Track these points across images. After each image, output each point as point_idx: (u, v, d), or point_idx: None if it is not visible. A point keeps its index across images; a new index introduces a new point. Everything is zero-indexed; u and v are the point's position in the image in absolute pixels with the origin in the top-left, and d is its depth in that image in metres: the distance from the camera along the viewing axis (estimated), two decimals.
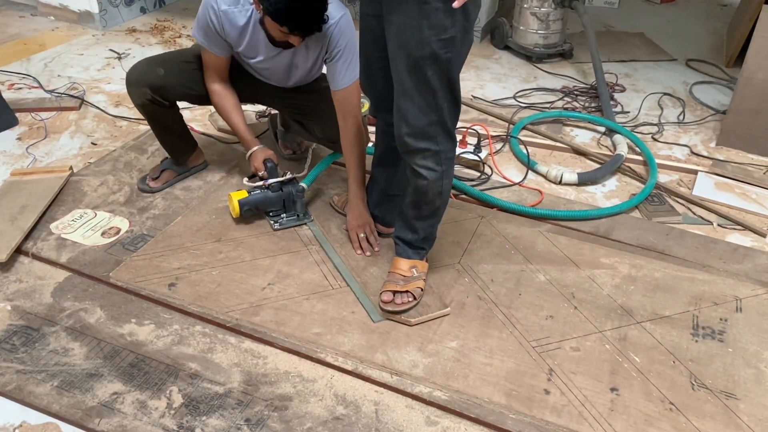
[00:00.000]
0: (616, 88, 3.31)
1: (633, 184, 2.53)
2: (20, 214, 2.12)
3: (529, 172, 2.55)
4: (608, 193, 2.46)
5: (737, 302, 1.92)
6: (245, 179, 2.17)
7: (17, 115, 2.80)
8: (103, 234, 2.10)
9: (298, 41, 1.87)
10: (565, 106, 3.10)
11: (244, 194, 2.10)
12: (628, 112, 3.08)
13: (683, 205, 2.39)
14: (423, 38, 1.49)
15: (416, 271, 1.84)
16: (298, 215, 2.16)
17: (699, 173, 2.57)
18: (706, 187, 2.48)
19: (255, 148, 2.16)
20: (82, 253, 2.02)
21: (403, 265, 1.85)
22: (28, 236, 2.07)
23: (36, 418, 1.54)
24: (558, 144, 2.75)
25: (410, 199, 1.78)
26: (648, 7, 4.65)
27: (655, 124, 2.97)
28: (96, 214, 2.20)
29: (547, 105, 3.09)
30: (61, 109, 2.90)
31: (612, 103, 3.13)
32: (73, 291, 1.90)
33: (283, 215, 2.16)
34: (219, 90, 2.13)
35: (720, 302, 1.92)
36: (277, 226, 2.13)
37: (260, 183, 2.12)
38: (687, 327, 1.82)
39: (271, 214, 2.16)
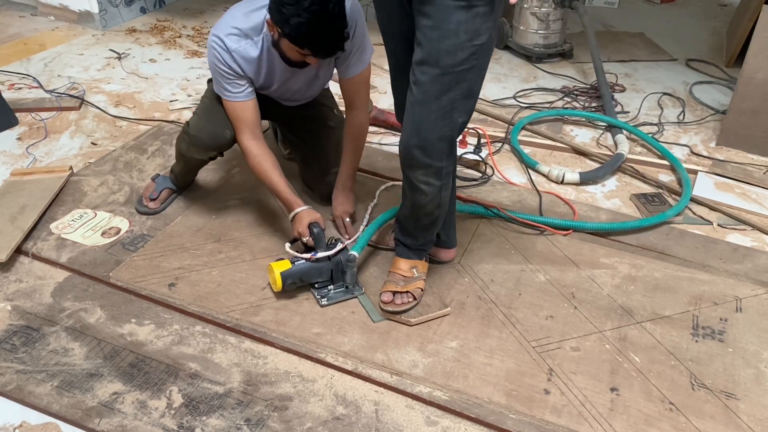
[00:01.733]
0: (616, 88, 3.31)
1: (633, 183, 2.53)
2: (20, 214, 2.12)
3: (530, 172, 2.55)
4: (608, 193, 2.46)
5: (737, 302, 1.92)
6: (287, 245, 1.92)
7: (17, 115, 2.80)
8: (103, 234, 2.10)
9: (316, 62, 1.76)
10: (565, 106, 3.10)
11: (286, 264, 1.82)
12: (628, 112, 3.08)
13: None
14: (458, 43, 1.45)
15: (417, 271, 1.84)
16: (347, 287, 1.88)
17: (699, 173, 2.57)
18: (706, 187, 2.48)
19: (299, 210, 1.92)
20: (82, 253, 2.02)
21: (404, 265, 1.84)
22: (28, 236, 2.07)
23: (36, 418, 1.54)
24: (558, 144, 2.75)
25: (408, 212, 1.76)
26: (648, 7, 4.65)
27: (655, 124, 2.97)
28: (96, 214, 2.20)
29: (547, 105, 3.09)
30: (61, 109, 2.90)
31: (612, 103, 3.13)
32: (73, 291, 1.90)
33: (330, 287, 1.88)
34: (255, 150, 1.93)
35: (720, 302, 1.92)
36: (324, 301, 1.85)
37: (310, 256, 1.84)
38: (687, 327, 1.82)
39: (316, 285, 1.88)
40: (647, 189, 2.49)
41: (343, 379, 1.65)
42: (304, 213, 1.92)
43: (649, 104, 3.16)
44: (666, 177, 2.57)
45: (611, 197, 2.44)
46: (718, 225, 2.29)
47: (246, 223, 2.17)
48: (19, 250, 2.02)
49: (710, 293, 1.95)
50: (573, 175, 2.47)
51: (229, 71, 1.85)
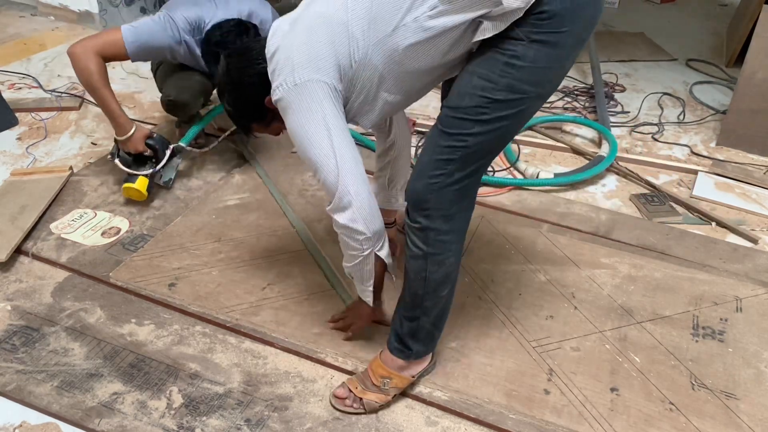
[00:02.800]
0: (616, 88, 3.31)
1: (633, 184, 2.53)
2: (20, 214, 2.12)
3: (514, 170, 2.55)
4: (608, 193, 2.46)
5: (737, 302, 1.92)
6: (117, 161, 2.21)
7: (17, 115, 2.80)
8: (103, 234, 2.10)
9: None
10: (565, 106, 3.10)
11: (142, 180, 2.18)
12: (629, 112, 3.08)
13: (682, 205, 2.39)
14: (469, 85, 1.28)
15: (387, 384, 1.55)
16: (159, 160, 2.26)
17: (699, 173, 2.57)
18: (706, 187, 2.49)
19: (133, 131, 2.15)
20: (82, 253, 2.02)
21: (379, 369, 1.56)
22: (28, 236, 2.07)
23: (36, 418, 1.54)
24: (558, 144, 2.75)
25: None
26: (648, 7, 4.65)
27: (655, 124, 2.97)
28: (96, 214, 2.20)
29: (547, 105, 3.09)
30: (61, 109, 2.90)
31: (612, 103, 3.13)
32: (73, 291, 1.90)
33: (159, 168, 2.24)
34: (96, 63, 2.07)
35: (720, 302, 1.92)
36: (171, 183, 2.31)
37: (151, 171, 2.22)
38: (687, 327, 1.82)
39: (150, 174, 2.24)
40: (647, 189, 2.49)
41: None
42: (139, 131, 2.17)
43: (649, 104, 3.16)
44: (665, 177, 2.57)
45: (611, 197, 2.44)
46: (717, 225, 2.29)
47: (246, 223, 2.17)
48: (19, 250, 2.02)
49: (710, 293, 1.95)
50: (547, 175, 2.45)
51: (161, 52, 2.17)
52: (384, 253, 1.50)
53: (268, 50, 1.42)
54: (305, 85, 1.35)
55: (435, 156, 1.35)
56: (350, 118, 1.46)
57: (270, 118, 1.54)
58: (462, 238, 1.45)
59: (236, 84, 1.51)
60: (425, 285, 1.45)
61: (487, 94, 1.26)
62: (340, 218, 1.42)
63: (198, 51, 2.17)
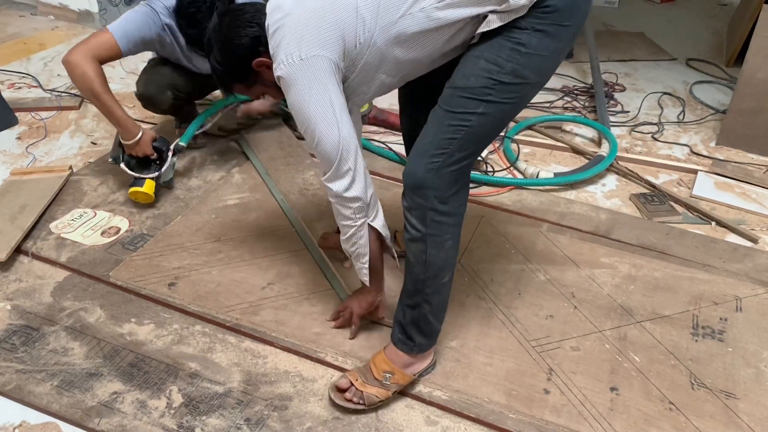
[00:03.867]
0: (616, 87, 3.31)
1: (633, 184, 2.53)
2: (20, 214, 2.12)
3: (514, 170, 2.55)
4: (608, 193, 2.46)
5: (737, 302, 1.92)
6: (122, 165, 2.20)
7: (17, 114, 2.80)
8: (102, 233, 2.10)
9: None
10: (565, 105, 3.10)
11: (149, 183, 2.19)
12: (628, 111, 3.08)
13: (681, 204, 2.39)
14: (476, 68, 1.34)
15: (389, 379, 1.55)
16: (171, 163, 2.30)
17: (699, 173, 2.57)
18: (706, 186, 2.49)
19: (142, 133, 2.16)
20: (81, 253, 2.02)
21: (382, 363, 1.57)
22: (27, 236, 2.07)
23: (36, 417, 1.54)
24: (558, 144, 2.76)
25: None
26: (648, 7, 4.65)
27: (655, 124, 2.97)
28: (96, 214, 2.20)
29: (547, 104, 3.10)
30: (61, 109, 2.90)
31: (612, 102, 3.13)
32: (72, 290, 1.90)
33: (158, 172, 2.24)
34: (99, 71, 2.06)
35: (720, 302, 1.92)
36: (173, 183, 2.34)
37: (156, 174, 2.23)
38: (687, 327, 1.82)
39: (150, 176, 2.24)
40: (647, 189, 2.49)
41: None
42: (146, 134, 2.18)
43: (649, 104, 3.16)
44: (665, 177, 2.57)
45: (611, 197, 2.44)
46: (717, 224, 2.29)
47: (246, 223, 2.17)
48: (18, 250, 2.02)
49: (710, 293, 1.95)
50: (547, 175, 2.46)
51: (149, 41, 2.16)
52: (379, 223, 1.54)
53: (270, 26, 1.44)
54: (310, 60, 1.38)
55: (439, 135, 1.39)
56: (346, 96, 1.49)
57: (253, 81, 1.57)
58: (459, 222, 1.48)
59: (225, 41, 1.52)
60: (426, 269, 1.47)
61: (494, 77, 1.32)
62: (336, 186, 1.47)
63: (181, 36, 2.19)
